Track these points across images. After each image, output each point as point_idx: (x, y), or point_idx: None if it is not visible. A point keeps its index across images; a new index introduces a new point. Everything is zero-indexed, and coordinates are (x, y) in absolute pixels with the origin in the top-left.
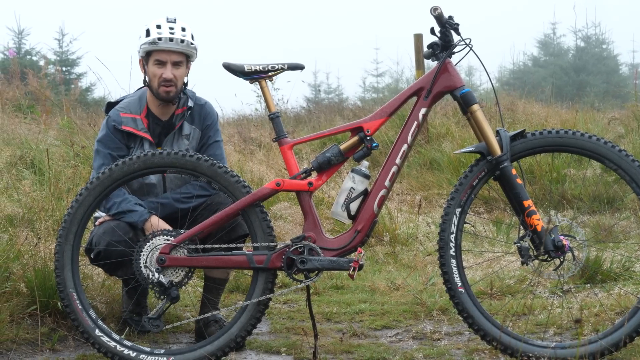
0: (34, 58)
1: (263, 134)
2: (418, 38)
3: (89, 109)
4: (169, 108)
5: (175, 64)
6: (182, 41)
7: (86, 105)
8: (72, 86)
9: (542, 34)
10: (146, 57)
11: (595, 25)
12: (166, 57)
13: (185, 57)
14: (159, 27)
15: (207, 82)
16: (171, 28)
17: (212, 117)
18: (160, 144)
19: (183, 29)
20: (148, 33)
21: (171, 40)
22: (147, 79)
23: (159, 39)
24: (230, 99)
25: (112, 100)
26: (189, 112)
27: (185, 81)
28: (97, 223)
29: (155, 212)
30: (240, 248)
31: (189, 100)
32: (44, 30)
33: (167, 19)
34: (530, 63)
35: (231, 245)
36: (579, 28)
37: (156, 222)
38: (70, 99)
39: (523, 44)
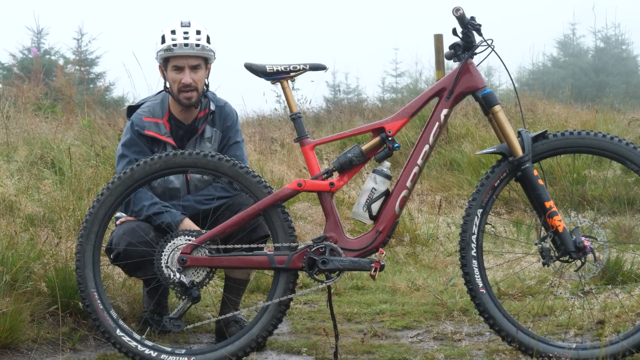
0: (53, 57)
1: (283, 134)
2: (438, 38)
3: (107, 108)
4: (192, 112)
5: (193, 68)
6: (197, 45)
7: (105, 105)
8: (92, 85)
9: (562, 35)
10: (164, 64)
11: (615, 26)
12: (183, 62)
13: (203, 60)
14: (173, 32)
15: (226, 84)
16: (185, 32)
17: (232, 117)
18: (183, 147)
19: (198, 32)
20: (163, 39)
21: (186, 45)
22: (167, 85)
23: (174, 45)
24: (250, 100)
25: (133, 104)
26: (212, 115)
27: (206, 83)
28: (117, 223)
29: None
30: (262, 248)
31: (211, 103)
32: (63, 30)
33: (182, 23)
34: (550, 63)
35: (252, 246)
36: (599, 29)
37: (189, 225)
38: (93, 98)
39: (542, 44)
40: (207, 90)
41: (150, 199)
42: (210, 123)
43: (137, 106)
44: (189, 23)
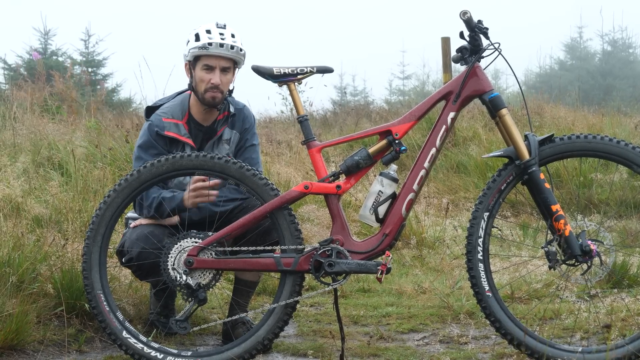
0: (60, 59)
1: (290, 136)
2: (445, 41)
3: (114, 109)
4: (212, 114)
5: (224, 70)
6: (232, 47)
7: (111, 106)
8: (98, 87)
9: (569, 38)
10: (194, 62)
11: (622, 30)
12: (215, 62)
13: (233, 63)
14: (209, 32)
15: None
16: (221, 34)
17: (249, 120)
18: (202, 149)
19: (233, 35)
20: (198, 37)
21: (221, 45)
22: (193, 83)
23: (210, 44)
24: (256, 102)
25: (151, 105)
26: (232, 118)
27: (231, 88)
28: (131, 225)
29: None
30: (269, 251)
31: (230, 105)
32: (70, 31)
33: (217, 24)
34: (557, 67)
35: (259, 248)
36: (606, 32)
37: (186, 195)
38: (97, 99)
39: (550, 47)
40: (231, 94)
41: (158, 191)
42: (230, 125)
43: (156, 107)
44: (225, 25)
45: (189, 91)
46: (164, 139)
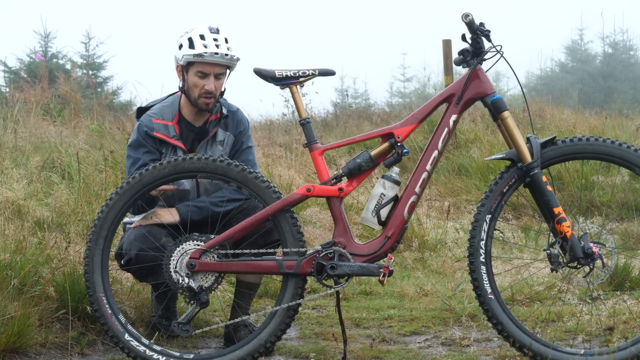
0: (61, 61)
1: (291, 138)
2: (446, 44)
3: (115, 112)
4: (204, 114)
5: (217, 76)
6: (227, 55)
7: (112, 108)
8: (99, 89)
9: (570, 40)
10: (186, 66)
11: (623, 32)
12: (210, 69)
13: (226, 68)
14: (202, 37)
15: (233, 87)
16: (215, 39)
17: (244, 123)
18: (194, 150)
19: (226, 40)
20: (192, 44)
21: (216, 54)
22: (185, 87)
23: (205, 52)
24: (256, 104)
25: (143, 106)
26: (224, 120)
27: (223, 90)
28: (130, 227)
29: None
30: (271, 253)
31: (223, 107)
32: (71, 34)
33: (210, 28)
34: (558, 69)
35: (261, 251)
36: (607, 34)
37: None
38: (101, 102)
39: (550, 49)
40: (222, 96)
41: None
42: (223, 127)
43: (147, 108)
44: (218, 30)
45: (179, 92)
46: (153, 139)
